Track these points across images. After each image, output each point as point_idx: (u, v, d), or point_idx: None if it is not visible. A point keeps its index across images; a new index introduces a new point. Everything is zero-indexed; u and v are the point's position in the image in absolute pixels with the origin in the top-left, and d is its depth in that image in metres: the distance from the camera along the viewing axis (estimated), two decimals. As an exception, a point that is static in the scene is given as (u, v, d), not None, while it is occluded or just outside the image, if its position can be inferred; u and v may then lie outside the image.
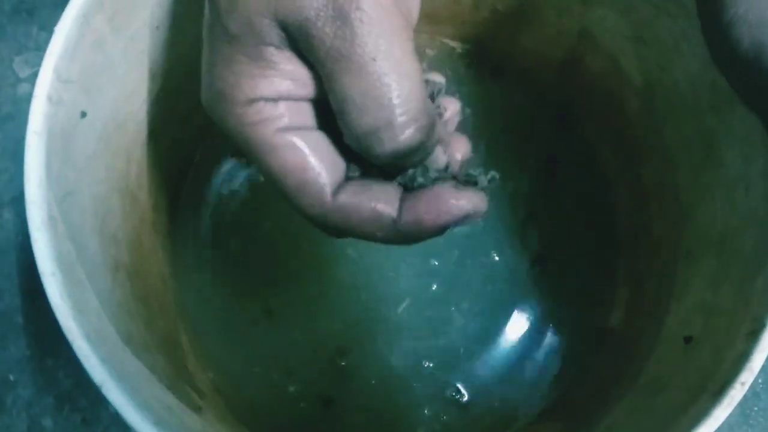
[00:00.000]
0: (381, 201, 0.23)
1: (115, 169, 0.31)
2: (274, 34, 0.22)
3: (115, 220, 0.31)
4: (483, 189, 0.25)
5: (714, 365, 0.28)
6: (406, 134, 0.22)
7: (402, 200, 0.24)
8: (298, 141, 0.23)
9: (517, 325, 0.42)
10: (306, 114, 0.24)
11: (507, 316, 0.42)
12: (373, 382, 0.40)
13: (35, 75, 0.57)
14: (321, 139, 0.24)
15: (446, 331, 0.41)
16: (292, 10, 0.21)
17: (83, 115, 0.28)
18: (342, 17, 0.21)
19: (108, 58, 0.29)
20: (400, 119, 0.21)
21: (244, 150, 0.24)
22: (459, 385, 0.40)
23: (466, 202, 0.24)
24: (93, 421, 0.50)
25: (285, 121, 0.23)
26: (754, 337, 0.26)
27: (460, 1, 0.41)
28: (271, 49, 0.22)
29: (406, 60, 0.21)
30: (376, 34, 0.21)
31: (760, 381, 0.49)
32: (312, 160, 0.23)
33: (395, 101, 0.21)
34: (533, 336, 0.42)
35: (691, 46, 0.32)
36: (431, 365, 0.40)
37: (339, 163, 0.24)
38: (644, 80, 0.37)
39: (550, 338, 0.42)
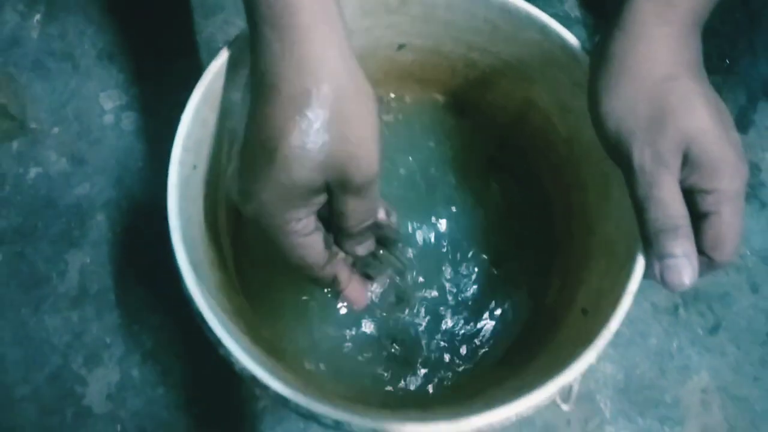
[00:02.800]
0: (343, 271, 0.42)
1: (210, 199, 0.47)
2: (320, 184, 0.35)
3: (208, 229, 0.47)
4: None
5: (593, 328, 0.41)
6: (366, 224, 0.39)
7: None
8: (307, 244, 0.38)
9: (481, 303, 0.55)
10: (313, 220, 0.38)
11: (474, 298, 0.55)
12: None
13: (117, 108, 0.71)
14: (317, 238, 0.39)
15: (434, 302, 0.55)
16: (338, 176, 0.35)
17: (194, 167, 0.44)
18: (358, 182, 0.35)
19: (208, 130, 0.44)
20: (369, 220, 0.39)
21: (269, 236, 0.37)
22: (440, 342, 0.54)
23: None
24: (170, 372, 0.63)
25: (302, 231, 0.37)
26: (614, 308, 0.40)
27: (442, 71, 0.56)
28: (313, 192, 0.36)
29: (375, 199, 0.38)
30: (370, 193, 0.37)
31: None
32: (312, 254, 0.39)
33: (372, 216, 0.39)
34: (494, 311, 0.55)
35: (594, 117, 0.47)
36: (422, 327, 0.54)
37: (324, 251, 0.40)
38: (567, 135, 0.52)
39: (505, 313, 0.55)
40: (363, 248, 0.42)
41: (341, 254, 0.42)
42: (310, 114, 0.33)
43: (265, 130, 0.34)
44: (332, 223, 0.39)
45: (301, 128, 0.33)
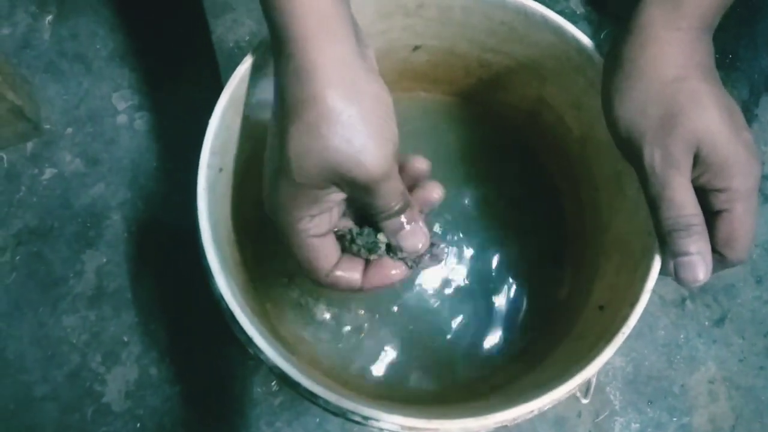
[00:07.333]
0: (355, 272, 0.39)
1: (233, 201, 0.48)
2: (323, 183, 0.35)
3: (233, 230, 0.48)
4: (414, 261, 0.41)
5: (611, 323, 0.42)
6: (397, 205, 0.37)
7: (365, 269, 0.40)
8: (317, 245, 0.38)
9: (499, 298, 0.56)
10: (327, 221, 0.38)
11: (486, 294, 0.56)
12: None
13: (130, 108, 0.72)
14: (329, 241, 0.39)
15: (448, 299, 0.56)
16: (344, 178, 0.35)
17: (221, 170, 0.44)
18: (362, 181, 0.35)
19: (231, 134, 0.45)
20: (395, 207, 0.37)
21: (282, 236, 0.38)
22: (455, 338, 0.55)
23: (396, 272, 0.40)
24: (188, 370, 0.64)
25: (314, 231, 0.37)
26: (632, 306, 0.41)
27: (455, 71, 0.57)
28: (319, 191, 0.36)
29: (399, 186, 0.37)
30: (385, 186, 0.36)
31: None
32: (320, 257, 0.38)
33: (396, 201, 0.37)
34: (509, 306, 0.56)
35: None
36: (437, 323, 0.56)
37: (335, 255, 0.39)
38: (580, 133, 0.53)
39: (521, 308, 0.56)
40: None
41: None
42: (307, 121, 0.34)
43: (275, 136, 0.37)
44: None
45: (300, 134, 0.35)
